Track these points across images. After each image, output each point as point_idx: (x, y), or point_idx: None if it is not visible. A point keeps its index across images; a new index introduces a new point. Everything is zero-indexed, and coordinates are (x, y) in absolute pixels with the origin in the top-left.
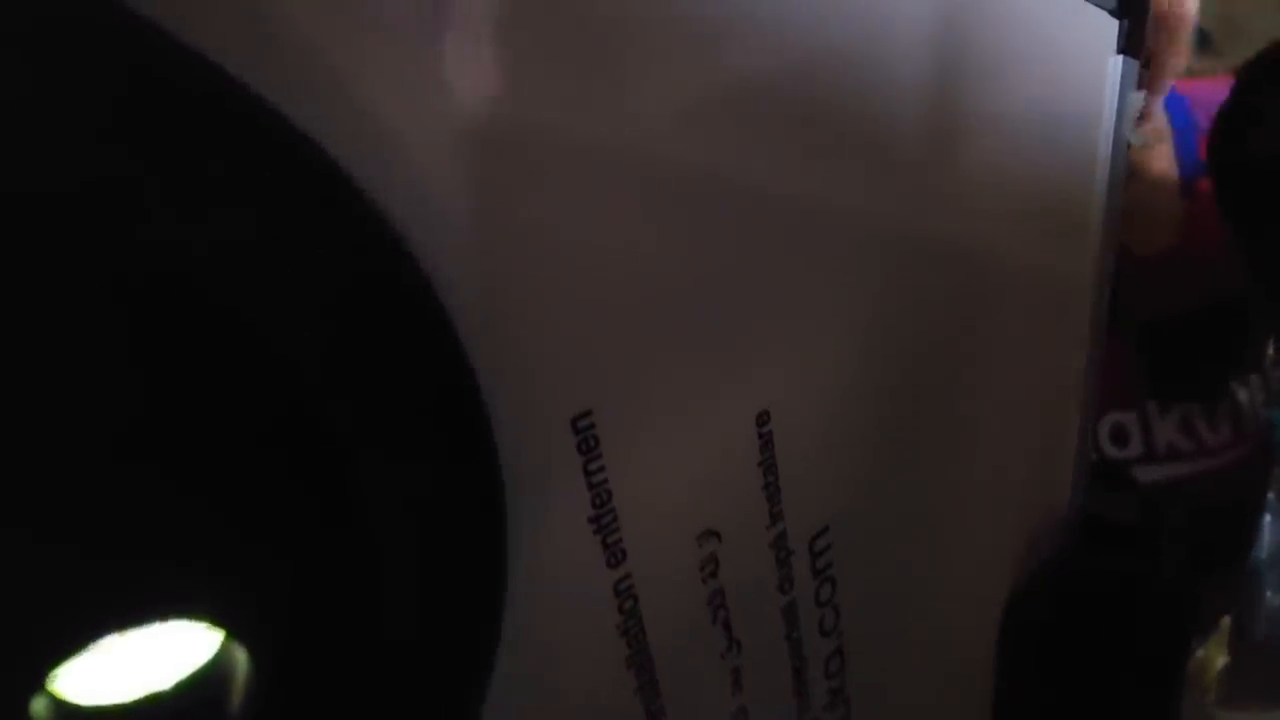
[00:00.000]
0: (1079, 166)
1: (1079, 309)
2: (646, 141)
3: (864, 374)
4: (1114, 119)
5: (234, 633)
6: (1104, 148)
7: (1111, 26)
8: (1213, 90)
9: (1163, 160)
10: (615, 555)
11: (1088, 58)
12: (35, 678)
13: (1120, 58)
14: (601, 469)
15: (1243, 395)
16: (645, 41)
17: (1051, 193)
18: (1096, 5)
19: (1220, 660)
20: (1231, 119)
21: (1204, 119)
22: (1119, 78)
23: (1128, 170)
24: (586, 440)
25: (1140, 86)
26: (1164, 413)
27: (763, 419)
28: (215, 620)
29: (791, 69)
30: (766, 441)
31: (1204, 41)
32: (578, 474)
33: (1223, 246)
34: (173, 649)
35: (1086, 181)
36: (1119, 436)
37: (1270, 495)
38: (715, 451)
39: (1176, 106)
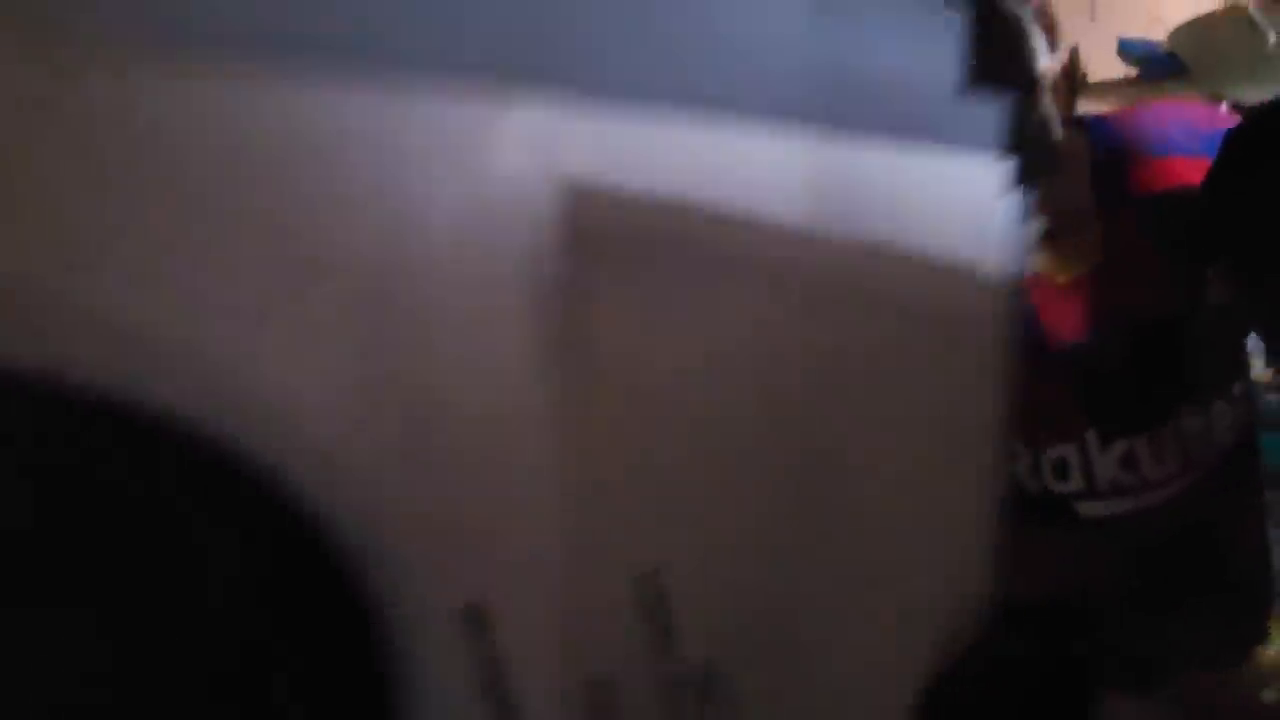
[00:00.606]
0: (976, 291)
1: (981, 430)
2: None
3: (757, 518)
4: (1004, 250)
5: None
6: (996, 272)
7: (999, 168)
8: (1140, 118)
9: (1078, 186)
10: (508, 714)
11: (980, 195)
12: None
13: (1009, 192)
14: (493, 643)
15: (1196, 422)
16: None
17: (953, 323)
18: (984, 149)
19: None
20: (1226, 179)
21: (1131, 145)
22: (1008, 212)
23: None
24: (477, 621)
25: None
26: (1105, 446)
27: (651, 574)
28: None
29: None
30: (656, 593)
31: (1178, 68)
32: (471, 651)
33: (1144, 267)
34: None
35: (984, 307)
36: (1061, 470)
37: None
38: (602, 606)
39: (1102, 132)
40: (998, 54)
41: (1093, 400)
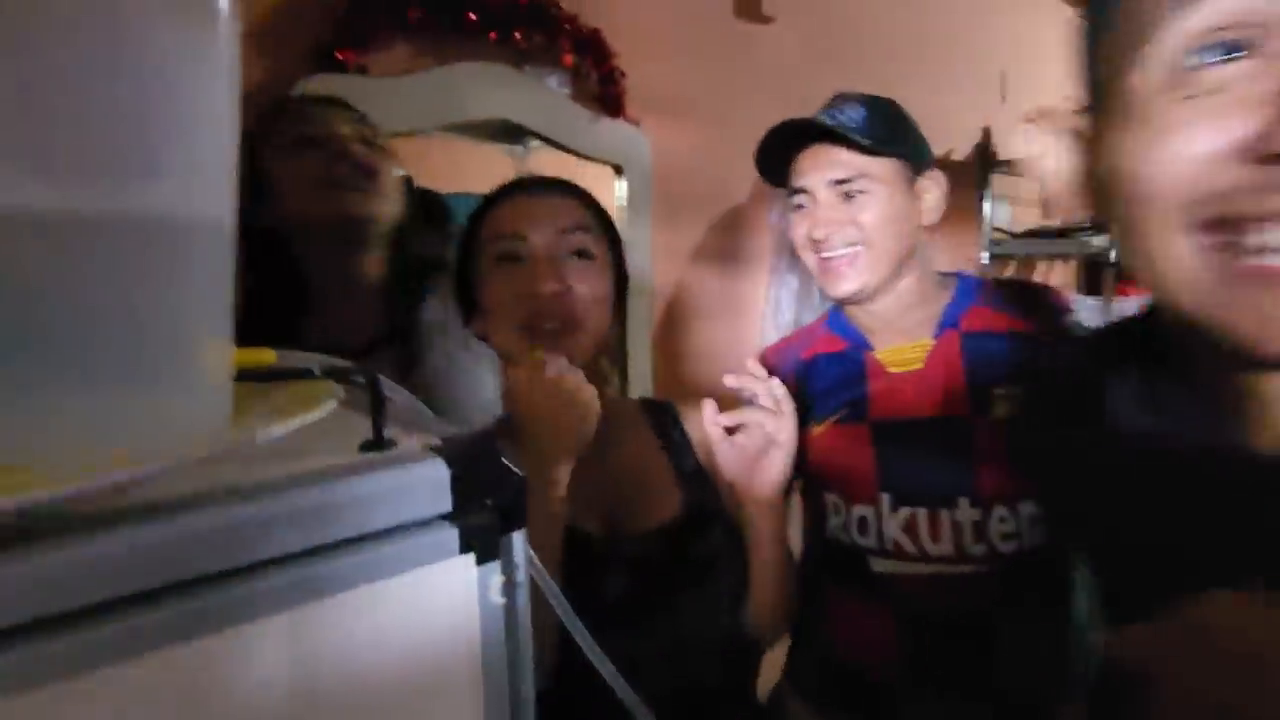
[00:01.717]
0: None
1: None
2: None
3: None
4: (477, 608)
5: None
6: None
7: (451, 536)
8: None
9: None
10: None
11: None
12: None
13: (464, 557)
14: None
15: (972, 515)
16: None
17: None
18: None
19: None
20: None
21: (971, 297)
22: (472, 575)
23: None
24: None
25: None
26: (894, 510)
27: None
28: None
29: None
30: None
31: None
32: None
33: (951, 378)
34: None
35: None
36: (862, 526)
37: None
38: None
39: (965, 285)
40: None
41: (887, 470)
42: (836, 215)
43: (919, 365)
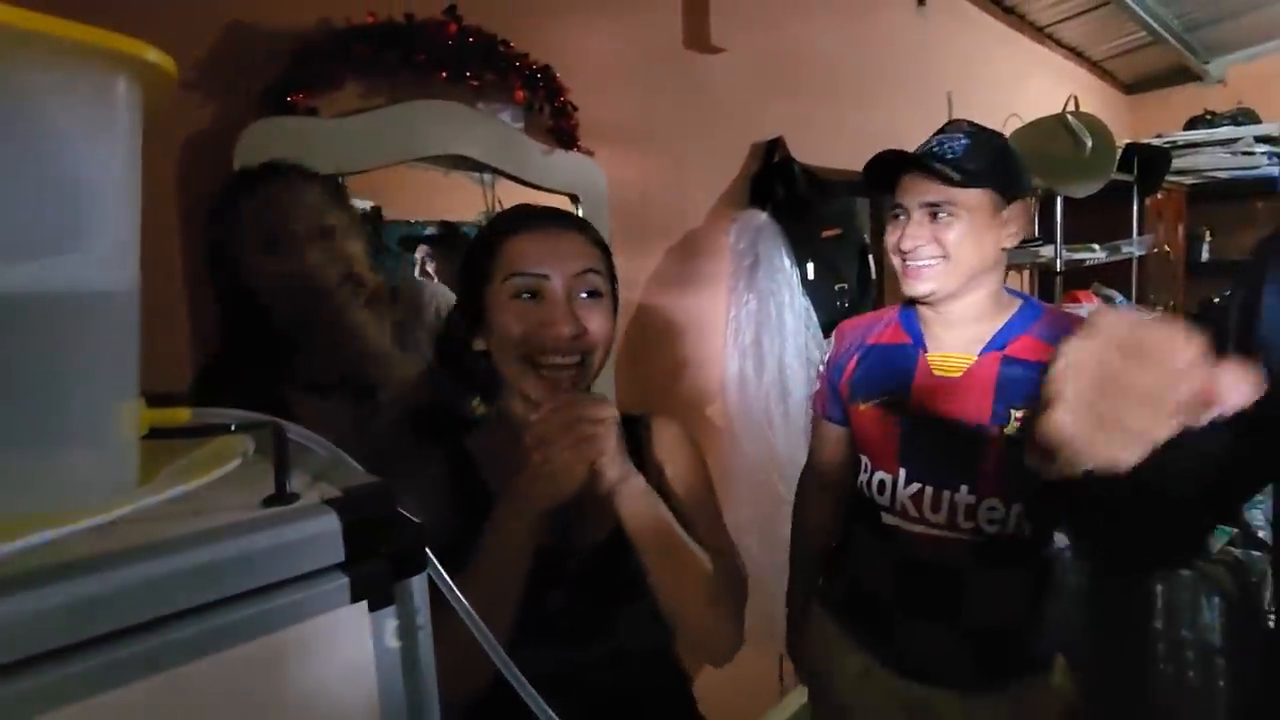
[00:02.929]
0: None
1: None
2: None
3: None
4: (372, 654)
5: None
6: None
7: (343, 585)
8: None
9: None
10: None
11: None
12: None
13: (357, 605)
14: None
15: (968, 499)
16: None
17: None
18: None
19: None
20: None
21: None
22: (364, 622)
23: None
24: None
25: None
26: (908, 483)
27: None
28: None
29: None
30: None
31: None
32: None
33: (981, 394)
34: None
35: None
36: (880, 487)
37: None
38: None
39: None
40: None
41: (907, 452)
42: (923, 232)
43: (957, 375)
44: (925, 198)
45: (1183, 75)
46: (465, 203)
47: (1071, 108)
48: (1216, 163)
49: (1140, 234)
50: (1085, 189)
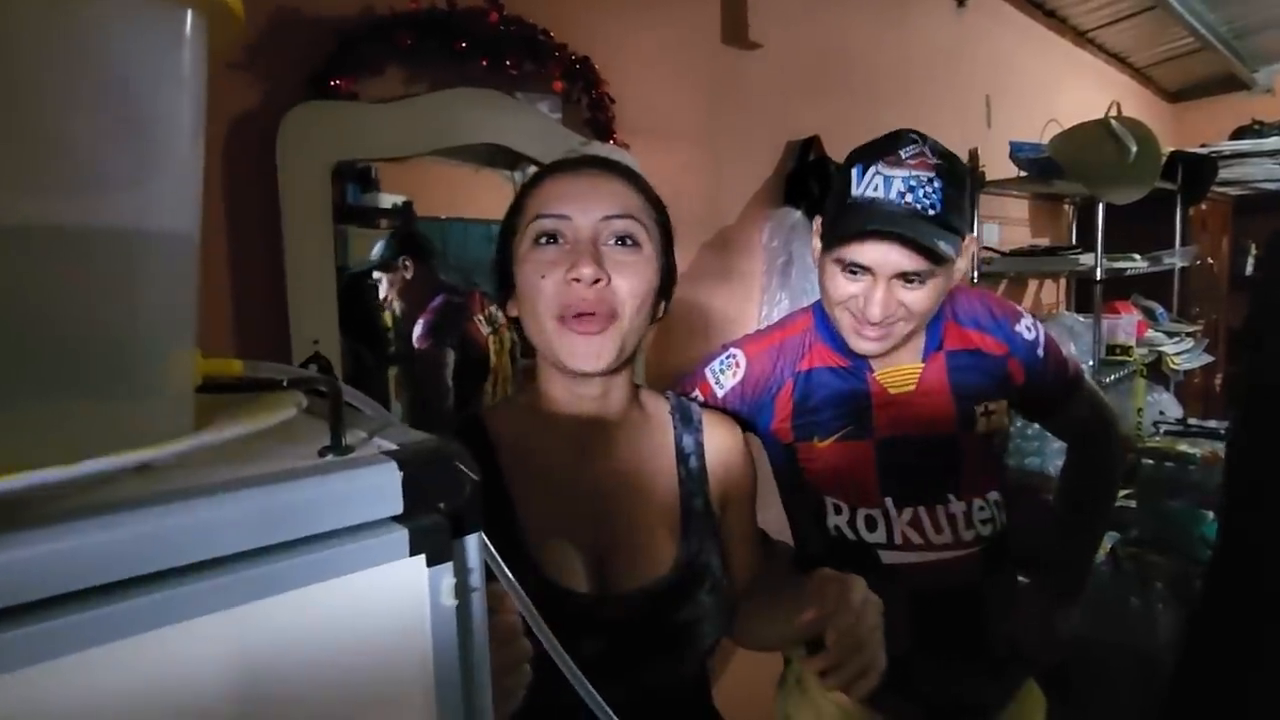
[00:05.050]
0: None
1: None
2: None
3: None
4: (428, 611)
5: None
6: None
7: (401, 538)
8: (956, 298)
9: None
10: None
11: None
12: None
13: (414, 559)
14: None
15: (959, 507)
16: None
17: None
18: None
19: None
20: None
21: (949, 315)
22: (422, 577)
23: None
24: None
25: None
26: (899, 511)
27: None
28: None
29: None
30: None
31: (1057, 171)
32: None
33: (941, 400)
34: None
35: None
36: (870, 524)
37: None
38: None
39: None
40: None
41: (887, 480)
42: (894, 300)
43: (912, 387)
44: (902, 268)
45: (1229, 83)
46: (495, 201)
47: (1114, 113)
48: (1264, 174)
49: (1183, 245)
50: (1128, 196)
